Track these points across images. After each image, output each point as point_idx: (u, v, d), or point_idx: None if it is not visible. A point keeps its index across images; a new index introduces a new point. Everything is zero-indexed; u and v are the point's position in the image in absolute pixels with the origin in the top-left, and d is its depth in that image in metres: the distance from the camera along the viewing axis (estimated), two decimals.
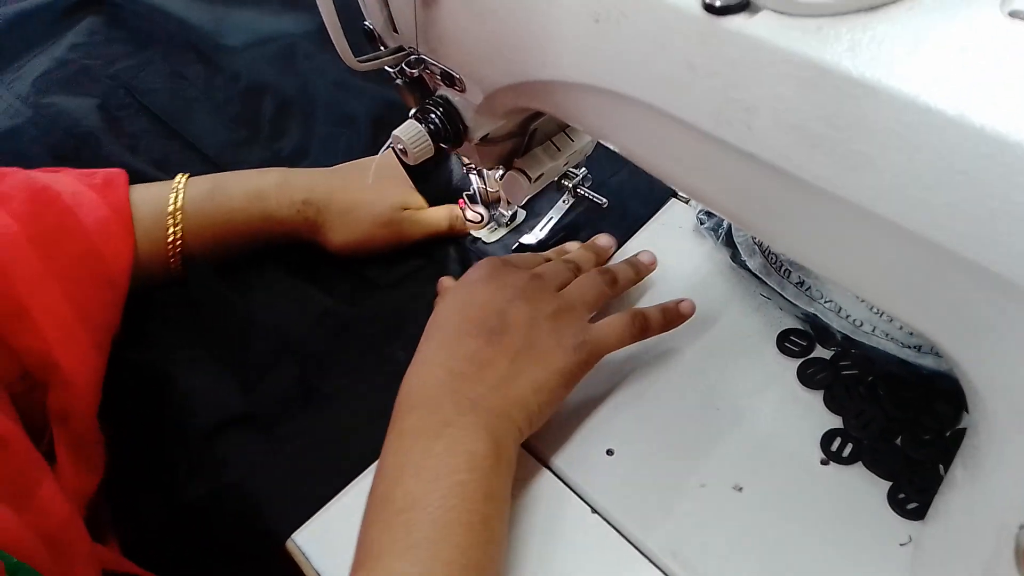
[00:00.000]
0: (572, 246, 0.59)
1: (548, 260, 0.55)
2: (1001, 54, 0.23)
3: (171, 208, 0.55)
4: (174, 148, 0.68)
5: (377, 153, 0.50)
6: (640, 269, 0.55)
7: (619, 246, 0.60)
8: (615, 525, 0.45)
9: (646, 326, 0.50)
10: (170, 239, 0.55)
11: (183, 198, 0.55)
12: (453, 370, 0.45)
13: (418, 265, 0.61)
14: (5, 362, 0.47)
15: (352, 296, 0.59)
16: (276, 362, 0.54)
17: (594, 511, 0.46)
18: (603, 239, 0.58)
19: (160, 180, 0.59)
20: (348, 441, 0.50)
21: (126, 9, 0.74)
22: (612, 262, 0.58)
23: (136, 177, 0.57)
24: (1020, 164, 0.22)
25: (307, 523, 0.47)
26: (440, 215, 0.61)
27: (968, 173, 0.23)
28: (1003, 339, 0.26)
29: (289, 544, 0.47)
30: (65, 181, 0.52)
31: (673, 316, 0.52)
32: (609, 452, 0.48)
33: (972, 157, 0.22)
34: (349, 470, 0.49)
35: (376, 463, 0.44)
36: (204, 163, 0.67)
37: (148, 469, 0.52)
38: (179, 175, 0.57)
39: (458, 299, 0.49)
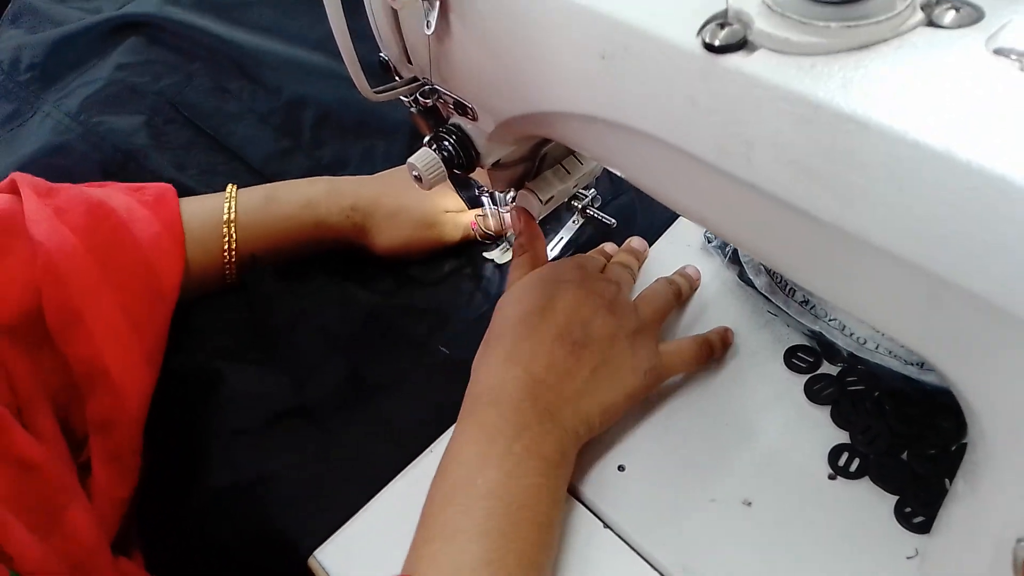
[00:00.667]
0: (610, 247, 0.61)
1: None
2: (986, 91, 0.24)
3: (225, 218, 0.57)
4: (220, 160, 0.70)
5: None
6: (693, 283, 0.58)
7: None
8: (626, 539, 0.46)
9: (710, 352, 0.52)
10: (225, 248, 0.57)
11: (235, 208, 0.57)
12: (534, 374, 0.46)
13: (458, 264, 0.63)
14: (54, 370, 0.48)
15: (396, 294, 0.62)
16: (325, 360, 0.56)
17: (606, 526, 0.47)
18: (636, 242, 0.60)
19: (207, 191, 0.62)
20: (398, 439, 0.52)
21: (167, 30, 0.76)
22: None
23: (184, 190, 0.59)
24: (1004, 197, 0.23)
25: (330, 539, 0.49)
26: (467, 218, 0.64)
27: (955, 205, 0.24)
28: (995, 361, 0.27)
29: (311, 561, 0.48)
30: (117, 197, 0.54)
31: (727, 341, 0.54)
32: (620, 468, 0.49)
33: (959, 189, 0.24)
34: (392, 468, 0.51)
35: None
36: (250, 173, 0.69)
37: (185, 467, 0.54)
38: (229, 186, 0.59)
39: (544, 295, 0.50)
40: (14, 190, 0.52)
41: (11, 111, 0.74)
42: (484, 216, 0.62)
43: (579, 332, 0.48)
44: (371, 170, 0.65)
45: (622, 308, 0.50)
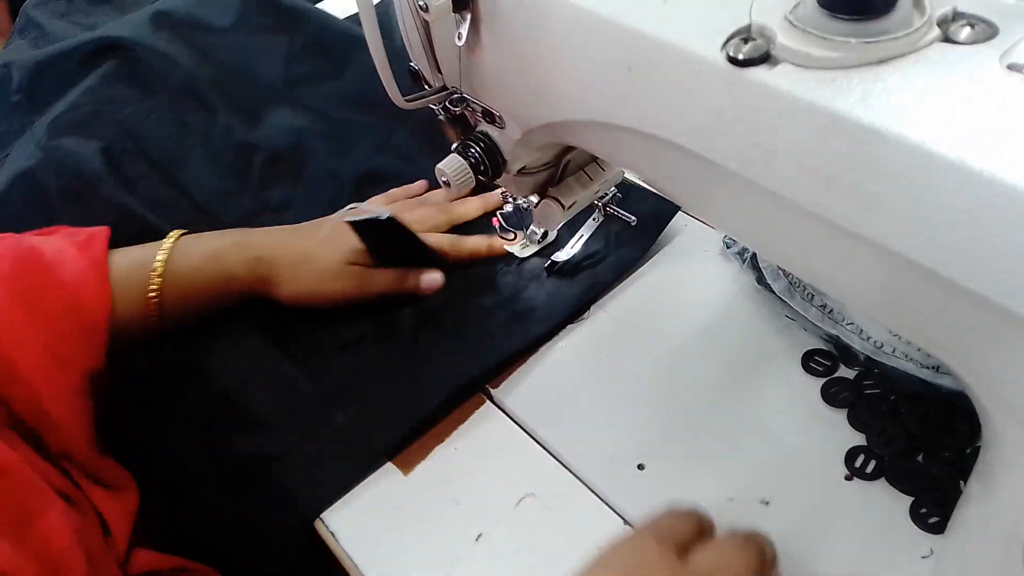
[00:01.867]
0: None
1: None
2: (999, 104, 0.26)
3: (155, 264, 0.57)
4: (171, 194, 0.71)
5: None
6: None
7: (638, 262, 0.63)
8: None
9: None
10: (150, 295, 0.57)
11: (168, 257, 0.58)
12: None
13: (366, 330, 0.61)
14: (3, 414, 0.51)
15: (303, 358, 0.60)
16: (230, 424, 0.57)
17: (626, 523, 0.48)
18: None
19: (156, 223, 0.64)
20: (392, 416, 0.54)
21: (140, 58, 0.78)
22: (639, 277, 0.60)
23: (131, 219, 0.61)
24: (1014, 205, 0.24)
25: (337, 504, 0.51)
26: (389, 276, 0.61)
27: (969, 213, 0.25)
28: (1008, 364, 0.28)
29: (318, 524, 0.50)
30: (52, 241, 0.55)
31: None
32: (640, 467, 0.51)
33: (972, 199, 0.25)
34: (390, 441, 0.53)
35: None
36: (195, 210, 0.70)
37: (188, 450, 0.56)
38: (172, 232, 0.60)
39: None
40: None
41: (2, 132, 0.76)
42: (506, 212, 0.64)
43: None
44: (315, 214, 0.65)
45: None
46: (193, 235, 0.61)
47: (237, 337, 0.60)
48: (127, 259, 0.58)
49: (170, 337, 0.59)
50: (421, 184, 0.71)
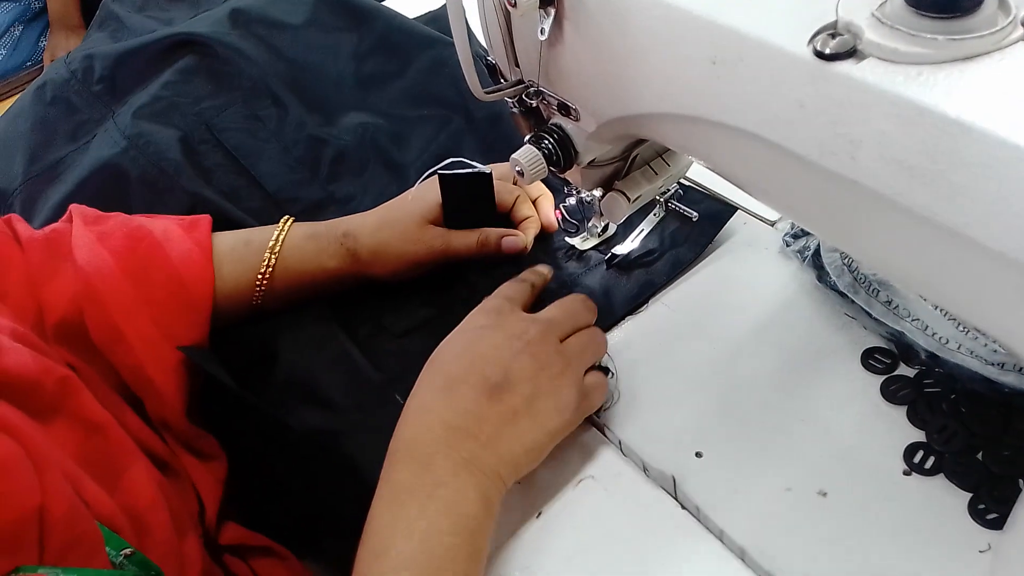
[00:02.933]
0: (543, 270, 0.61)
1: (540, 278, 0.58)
2: None
3: (271, 243, 0.61)
4: (242, 183, 0.74)
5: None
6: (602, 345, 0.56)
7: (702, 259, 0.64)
8: (703, 521, 0.49)
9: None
10: (261, 274, 0.61)
11: (282, 239, 0.62)
12: (449, 423, 0.46)
13: (425, 316, 0.64)
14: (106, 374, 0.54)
15: (368, 342, 0.63)
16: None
17: (683, 507, 0.50)
18: (543, 267, 0.60)
19: (227, 210, 0.68)
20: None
21: (216, 53, 0.81)
22: (697, 272, 0.61)
23: (206, 207, 0.65)
24: None
25: None
26: (469, 236, 0.63)
27: None
28: None
29: None
30: (159, 221, 0.59)
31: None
32: (698, 454, 0.52)
33: None
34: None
35: None
36: (265, 200, 0.74)
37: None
38: (284, 218, 0.64)
39: (461, 344, 0.51)
40: (69, 220, 0.59)
41: (83, 120, 0.80)
42: (563, 216, 0.66)
43: (499, 375, 0.48)
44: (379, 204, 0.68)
45: (543, 348, 0.50)
46: (297, 223, 0.64)
47: (309, 323, 0.63)
48: (232, 241, 0.61)
49: (250, 320, 0.62)
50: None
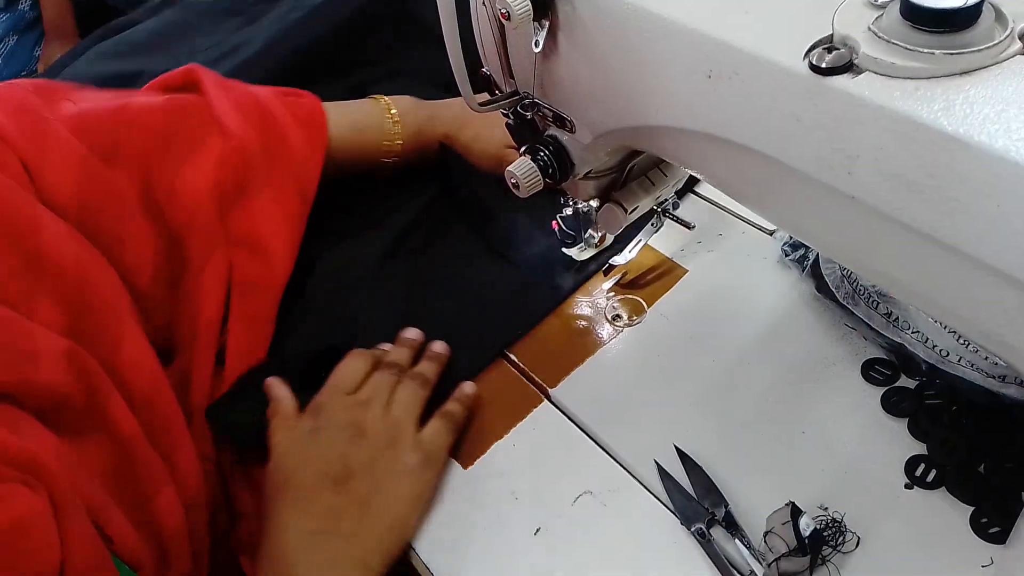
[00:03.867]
0: (412, 333, 0.61)
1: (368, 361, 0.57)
2: None
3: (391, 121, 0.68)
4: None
5: None
6: (439, 358, 0.59)
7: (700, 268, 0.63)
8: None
9: (458, 421, 0.55)
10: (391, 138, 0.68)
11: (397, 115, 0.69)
12: (304, 531, 0.47)
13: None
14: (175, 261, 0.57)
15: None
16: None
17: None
18: (438, 346, 0.60)
19: None
20: None
21: None
22: (435, 345, 0.60)
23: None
24: None
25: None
26: None
27: None
28: None
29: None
30: (276, 105, 0.63)
31: (467, 399, 0.56)
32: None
33: None
34: None
35: None
36: None
37: None
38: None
39: (296, 451, 0.52)
40: (189, 79, 0.62)
41: (241, 21, 0.83)
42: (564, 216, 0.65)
43: (338, 467, 0.50)
44: None
45: (368, 425, 0.52)
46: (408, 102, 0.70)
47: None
48: (345, 128, 0.66)
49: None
50: None
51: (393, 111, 0.68)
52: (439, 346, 0.59)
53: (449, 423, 0.54)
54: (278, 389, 0.55)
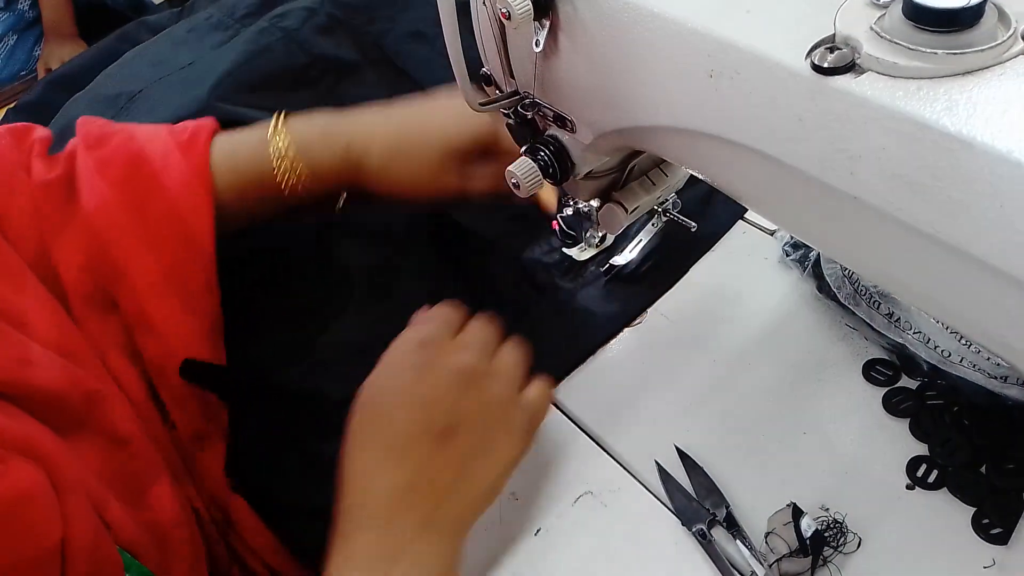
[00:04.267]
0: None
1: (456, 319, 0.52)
2: None
3: (277, 149, 0.54)
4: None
5: None
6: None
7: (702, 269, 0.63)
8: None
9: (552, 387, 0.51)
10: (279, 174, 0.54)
11: (288, 140, 0.54)
12: (401, 484, 0.43)
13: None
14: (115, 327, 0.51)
15: None
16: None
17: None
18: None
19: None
20: None
21: None
22: (697, 282, 0.61)
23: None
24: None
25: None
26: (496, 173, 0.53)
27: None
28: None
29: None
30: (159, 140, 0.53)
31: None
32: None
33: None
34: None
35: None
36: None
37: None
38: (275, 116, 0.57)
39: (398, 388, 0.46)
40: (70, 144, 0.54)
41: (225, 37, 0.80)
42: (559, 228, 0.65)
43: (444, 419, 0.45)
44: None
45: (481, 376, 0.47)
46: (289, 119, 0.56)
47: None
48: (228, 148, 0.55)
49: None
50: None
51: (279, 124, 0.55)
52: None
53: (549, 389, 0.50)
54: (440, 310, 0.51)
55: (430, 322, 0.50)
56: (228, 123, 0.59)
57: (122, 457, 0.46)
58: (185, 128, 0.55)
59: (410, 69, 0.75)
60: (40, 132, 0.55)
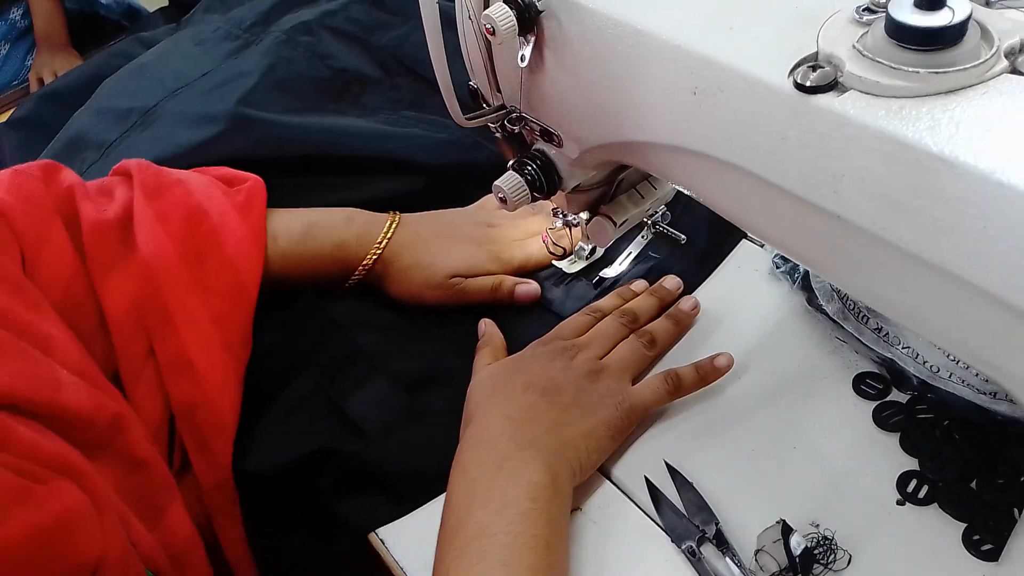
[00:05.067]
0: (639, 286, 0.62)
1: (599, 314, 0.59)
2: None
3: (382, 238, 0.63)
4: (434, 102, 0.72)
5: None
6: (681, 319, 0.59)
7: (692, 283, 0.63)
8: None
9: (679, 385, 0.54)
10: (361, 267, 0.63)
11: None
12: (510, 416, 0.50)
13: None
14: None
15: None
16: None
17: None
18: (670, 281, 0.61)
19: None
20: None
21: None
22: (685, 303, 0.60)
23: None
24: None
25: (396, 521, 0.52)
26: (483, 283, 0.63)
27: None
28: None
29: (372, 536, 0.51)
30: (215, 200, 0.59)
31: (708, 372, 0.55)
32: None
33: None
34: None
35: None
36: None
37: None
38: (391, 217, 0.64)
39: (510, 369, 0.54)
40: (127, 175, 0.59)
41: (235, 47, 0.81)
42: (557, 232, 0.65)
43: (545, 383, 0.52)
44: None
45: (581, 362, 0.54)
46: (319, 214, 0.64)
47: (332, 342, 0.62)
48: (293, 225, 0.62)
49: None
50: None
51: (395, 223, 0.63)
52: (687, 304, 0.60)
53: (670, 385, 0.54)
54: (489, 326, 0.61)
55: (556, 329, 0.59)
56: (254, 129, 0.68)
57: (141, 479, 0.48)
58: (240, 190, 0.61)
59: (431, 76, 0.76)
60: (71, 177, 0.58)
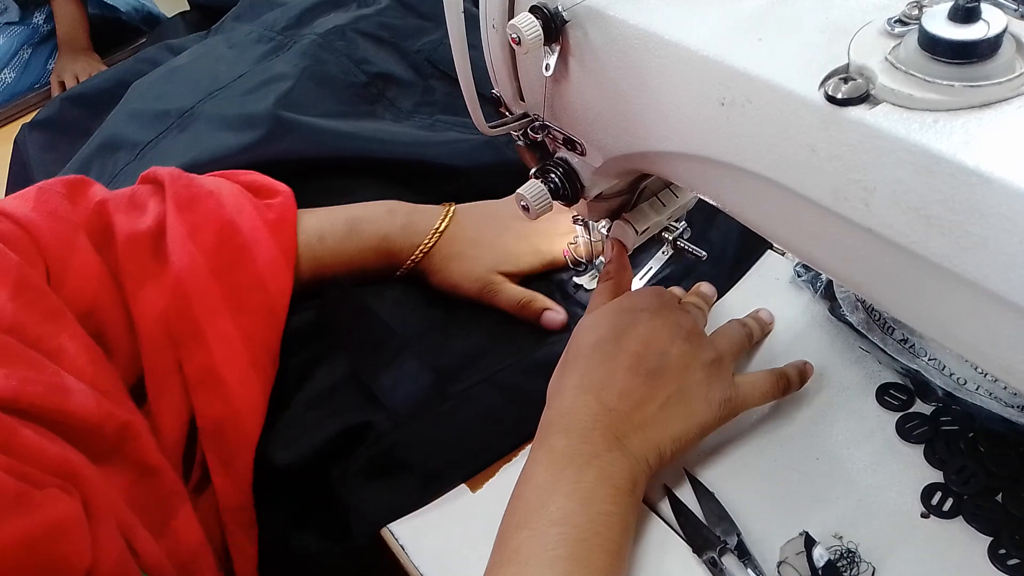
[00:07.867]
0: (677, 291, 0.62)
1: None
2: None
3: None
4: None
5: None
6: (765, 327, 0.59)
7: (718, 296, 0.62)
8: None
9: (787, 385, 0.53)
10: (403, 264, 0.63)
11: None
12: (606, 402, 0.48)
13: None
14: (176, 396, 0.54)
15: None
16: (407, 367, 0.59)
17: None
18: (705, 287, 0.61)
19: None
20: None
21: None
22: (763, 312, 0.60)
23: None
24: None
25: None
26: (515, 294, 0.63)
27: None
28: None
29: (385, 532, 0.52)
30: (246, 215, 0.59)
31: (806, 375, 0.54)
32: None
33: None
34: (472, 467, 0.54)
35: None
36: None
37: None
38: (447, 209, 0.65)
39: (620, 323, 0.51)
40: (157, 183, 0.59)
41: (268, 49, 0.81)
42: (576, 244, 0.65)
43: (654, 361, 0.49)
44: None
45: (698, 338, 0.51)
46: (361, 210, 0.64)
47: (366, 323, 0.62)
48: (323, 228, 0.62)
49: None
50: None
51: (451, 214, 0.64)
52: (766, 314, 0.59)
53: (780, 387, 0.52)
54: (618, 253, 0.57)
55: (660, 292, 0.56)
56: (293, 133, 0.69)
57: (149, 486, 0.48)
58: (270, 206, 0.60)
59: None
60: (101, 191, 0.58)
